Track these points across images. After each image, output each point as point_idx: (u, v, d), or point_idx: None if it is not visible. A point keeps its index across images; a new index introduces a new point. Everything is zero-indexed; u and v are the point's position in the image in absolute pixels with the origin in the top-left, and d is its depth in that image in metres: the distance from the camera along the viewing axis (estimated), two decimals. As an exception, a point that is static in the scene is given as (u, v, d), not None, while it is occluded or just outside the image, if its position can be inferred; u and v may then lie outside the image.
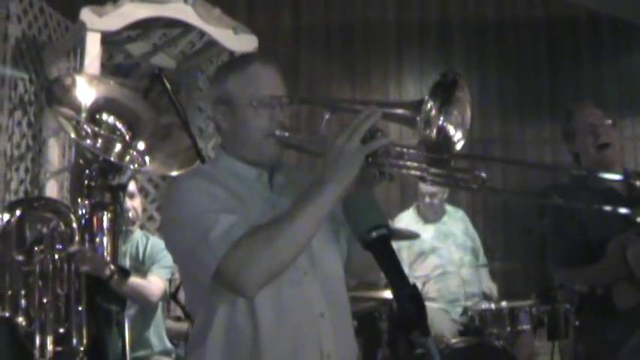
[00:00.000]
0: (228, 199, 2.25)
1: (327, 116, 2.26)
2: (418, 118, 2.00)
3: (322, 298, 2.30)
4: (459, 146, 2.09)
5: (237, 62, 2.51)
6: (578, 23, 8.09)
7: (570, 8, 8.01)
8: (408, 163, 2.14)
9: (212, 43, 6.02)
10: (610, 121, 3.68)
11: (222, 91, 2.39)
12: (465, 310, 5.84)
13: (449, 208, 6.35)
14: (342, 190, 2.07)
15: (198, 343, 2.29)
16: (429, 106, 1.99)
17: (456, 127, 2.06)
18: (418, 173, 2.16)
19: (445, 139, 2.05)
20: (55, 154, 5.69)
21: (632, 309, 3.38)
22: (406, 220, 6.16)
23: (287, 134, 2.34)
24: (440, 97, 2.01)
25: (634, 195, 3.64)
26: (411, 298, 1.79)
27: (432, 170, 2.13)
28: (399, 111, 2.14)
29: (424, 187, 6.15)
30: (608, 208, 2.25)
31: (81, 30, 5.18)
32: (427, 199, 6.13)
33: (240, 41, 5.70)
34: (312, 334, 2.26)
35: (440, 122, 2.00)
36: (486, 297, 6.02)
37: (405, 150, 2.13)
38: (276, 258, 2.10)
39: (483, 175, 2.06)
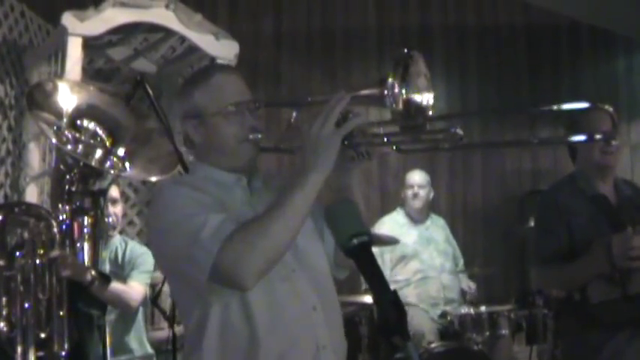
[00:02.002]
0: (212, 203, 2.27)
1: (294, 113, 2.31)
2: (385, 93, 2.04)
3: (312, 292, 2.34)
4: (431, 103, 2.13)
5: (200, 75, 2.53)
6: (557, 30, 8.18)
7: (550, 16, 8.09)
8: (384, 137, 2.19)
9: (193, 49, 6.03)
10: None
11: (190, 105, 2.42)
12: (445, 314, 5.88)
13: (432, 215, 6.41)
14: (325, 174, 2.12)
15: (193, 346, 2.31)
16: (390, 82, 2.03)
17: (421, 94, 2.10)
18: (395, 145, 2.22)
19: (416, 108, 2.08)
20: (35, 158, 5.66)
21: (610, 315, 3.41)
22: (390, 223, 6.20)
23: (260, 136, 2.37)
24: (399, 74, 2.04)
25: (623, 201, 3.67)
26: (391, 303, 1.83)
27: (409, 139, 2.20)
28: (366, 92, 2.17)
29: (412, 180, 6.24)
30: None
31: (62, 34, 5.17)
32: (416, 189, 6.20)
33: (222, 47, 5.72)
34: (306, 328, 2.30)
35: (404, 96, 2.03)
36: (465, 295, 6.07)
37: (378, 126, 2.18)
38: (272, 245, 2.12)
39: (460, 131, 2.08)
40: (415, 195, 6.24)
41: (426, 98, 2.11)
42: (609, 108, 2.30)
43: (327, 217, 2.01)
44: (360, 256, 1.91)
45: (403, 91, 2.03)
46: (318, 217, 2.42)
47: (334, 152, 2.10)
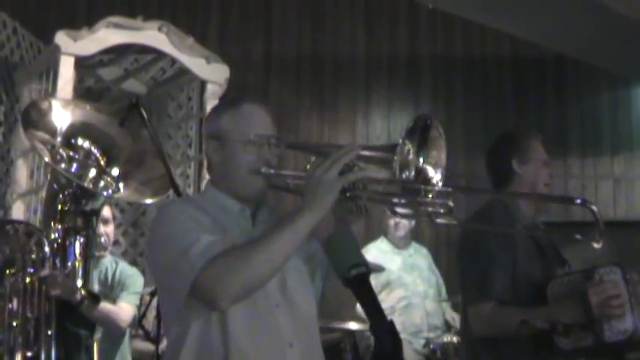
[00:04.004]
0: (210, 225, 2.34)
1: (312, 159, 2.34)
2: (395, 159, 2.07)
3: (292, 330, 2.37)
4: (440, 182, 2.17)
5: (232, 100, 2.60)
6: (543, 64, 8.27)
7: (537, 49, 8.19)
8: (384, 196, 2.24)
9: (183, 71, 6.07)
10: None
11: (215, 127, 2.49)
12: (428, 342, 5.90)
13: (414, 243, 6.43)
14: (318, 217, 2.16)
15: (171, 355, 2.37)
16: (405, 148, 2.08)
17: (435, 168, 2.15)
18: (392, 206, 2.28)
19: (424, 180, 2.13)
20: (23, 175, 5.66)
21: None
22: (374, 250, 6.23)
23: (272, 172, 2.42)
24: (416, 140, 2.09)
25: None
26: (388, 332, 1.87)
27: (406, 203, 2.24)
28: (377, 153, 2.22)
29: None
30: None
31: (55, 53, 5.19)
32: (397, 218, 6.21)
33: (212, 70, 5.76)
34: None
35: (419, 164, 2.09)
36: (449, 326, 6.09)
37: (380, 184, 2.23)
38: (252, 274, 2.18)
39: (451, 204, 2.17)
40: (397, 224, 6.27)
41: (436, 178, 2.16)
42: (594, 207, 2.35)
43: (326, 247, 2.05)
44: (358, 286, 1.96)
45: (420, 160, 2.09)
46: (312, 260, 2.50)
47: (332, 198, 2.14)
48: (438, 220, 2.26)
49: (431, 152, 2.14)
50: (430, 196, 2.18)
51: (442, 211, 2.19)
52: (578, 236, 2.39)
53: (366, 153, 2.20)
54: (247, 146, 2.42)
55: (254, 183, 2.43)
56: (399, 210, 2.34)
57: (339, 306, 2.57)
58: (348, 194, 2.18)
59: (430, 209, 2.21)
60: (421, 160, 2.09)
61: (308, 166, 2.32)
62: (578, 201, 2.56)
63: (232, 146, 2.44)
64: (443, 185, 2.17)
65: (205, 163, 2.62)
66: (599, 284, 3.25)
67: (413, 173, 2.08)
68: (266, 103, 2.55)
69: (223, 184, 2.49)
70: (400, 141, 2.08)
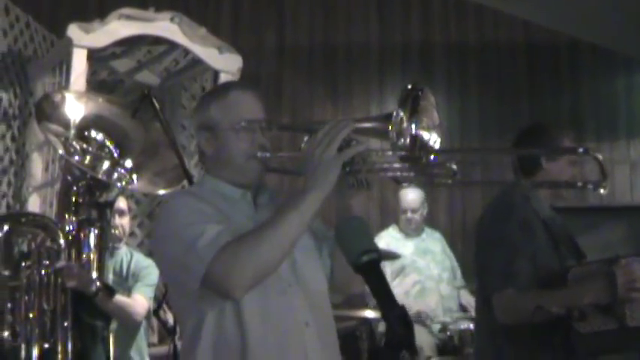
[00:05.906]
0: (214, 214, 2.33)
1: (306, 138, 2.34)
2: (390, 129, 2.07)
3: (307, 309, 2.38)
4: (437, 145, 2.16)
5: (219, 90, 2.62)
6: (558, 48, 8.21)
7: (551, 33, 8.13)
8: (384, 166, 2.23)
9: (196, 62, 6.06)
10: None
11: (205, 117, 2.49)
12: (443, 328, 5.89)
13: (427, 229, 6.43)
14: (322, 197, 2.16)
15: (188, 351, 2.36)
16: (399, 117, 2.06)
17: (429, 131, 2.14)
18: (394, 174, 2.26)
19: (422, 145, 2.12)
20: (38, 168, 5.69)
21: (598, 346, 3.36)
22: (387, 238, 6.24)
23: (268, 155, 2.42)
24: (408, 108, 2.07)
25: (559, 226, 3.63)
26: (399, 319, 1.86)
27: (407, 171, 2.22)
28: (372, 124, 2.22)
29: (406, 203, 6.25)
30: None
31: (67, 46, 5.20)
32: (409, 214, 6.23)
33: (225, 61, 5.75)
34: (297, 342, 2.34)
35: (412, 131, 2.07)
36: (465, 310, 6.09)
37: (380, 154, 2.22)
38: (262, 261, 2.18)
39: (454, 167, 2.17)
40: (409, 220, 6.28)
41: (433, 138, 2.15)
42: (599, 156, 2.32)
43: (337, 233, 2.05)
44: (369, 272, 1.95)
45: (412, 127, 2.07)
46: (317, 237, 2.50)
47: (334, 176, 2.14)
48: (449, 182, 2.24)
49: (423, 118, 2.12)
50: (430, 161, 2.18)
51: (446, 175, 2.19)
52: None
53: (361, 125, 2.21)
54: (240, 133, 2.42)
55: (251, 169, 2.43)
56: (402, 178, 2.32)
57: (349, 282, 2.56)
58: (347, 169, 2.18)
59: (434, 172, 2.22)
60: (413, 126, 2.08)
61: (303, 145, 2.33)
62: (581, 150, 2.56)
63: (225, 135, 2.44)
64: (440, 146, 2.16)
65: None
66: (627, 266, 3.25)
67: (408, 140, 2.07)
68: (254, 87, 2.54)
69: (220, 173, 2.49)
70: (394, 111, 2.07)
